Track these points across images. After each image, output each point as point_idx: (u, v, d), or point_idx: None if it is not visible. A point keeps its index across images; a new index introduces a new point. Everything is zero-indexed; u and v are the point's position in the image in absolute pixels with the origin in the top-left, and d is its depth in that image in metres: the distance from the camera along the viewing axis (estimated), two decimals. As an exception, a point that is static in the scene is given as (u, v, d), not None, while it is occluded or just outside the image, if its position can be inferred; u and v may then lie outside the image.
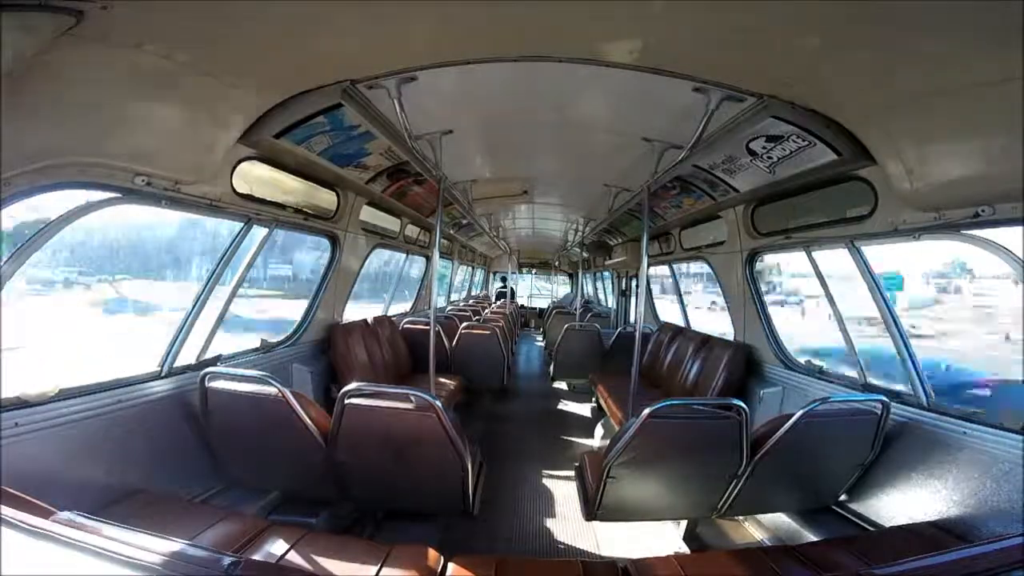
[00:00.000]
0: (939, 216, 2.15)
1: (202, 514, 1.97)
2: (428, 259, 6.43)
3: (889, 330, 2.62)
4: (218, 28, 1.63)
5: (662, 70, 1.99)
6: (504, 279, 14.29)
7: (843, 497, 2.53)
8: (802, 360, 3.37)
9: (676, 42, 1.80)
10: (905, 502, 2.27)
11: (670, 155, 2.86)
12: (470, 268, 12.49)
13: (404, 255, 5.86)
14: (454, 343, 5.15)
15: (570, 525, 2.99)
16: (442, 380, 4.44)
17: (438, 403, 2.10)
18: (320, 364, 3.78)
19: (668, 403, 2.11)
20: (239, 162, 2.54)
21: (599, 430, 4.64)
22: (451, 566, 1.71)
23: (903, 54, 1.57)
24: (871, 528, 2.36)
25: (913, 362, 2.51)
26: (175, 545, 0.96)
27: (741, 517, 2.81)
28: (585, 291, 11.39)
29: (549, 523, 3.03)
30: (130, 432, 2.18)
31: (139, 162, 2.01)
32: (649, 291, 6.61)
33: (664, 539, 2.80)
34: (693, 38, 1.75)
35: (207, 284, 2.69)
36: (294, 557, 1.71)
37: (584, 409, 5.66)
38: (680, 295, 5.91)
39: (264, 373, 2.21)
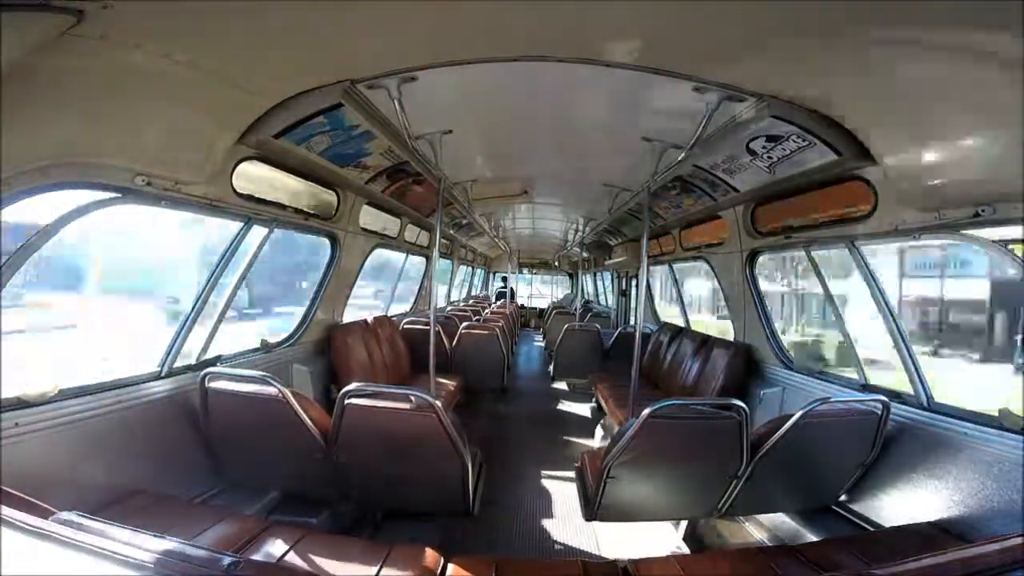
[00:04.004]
0: (939, 216, 2.15)
1: (202, 514, 1.97)
2: (428, 259, 6.43)
3: (889, 330, 2.62)
4: (218, 28, 1.63)
5: (662, 70, 1.99)
6: (504, 279, 14.29)
7: (843, 497, 2.53)
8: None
9: (676, 42, 1.80)
10: (905, 502, 2.27)
11: (670, 155, 2.86)
12: (470, 268, 12.49)
13: (404, 255, 5.86)
14: (454, 343, 5.15)
15: (570, 525, 2.99)
16: (442, 380, 4.44)
17: (438, 403, 2.10)
18: (320, 364, 3.79)
19: (668, 403, 2.11)
20: (239, 162, 2.54)
21: (599, 430, 4.64)
22: (451, 566, 1.71)
23: (903, 54, 1.57)
24: (871, 528, 2.36)
25: (913, 362, 2.51)
26: (175, 545, 0.96)
27: (741, 517, 2.81)
28: (585, 291, 11.38)
29: (549, 523, 3.03)
30: (130, 432, 2.18)
31: (139, 162, 2.01)
32: (649, 291, 6.61)
33: (664, 539, 2.80)
34: (693, 38, 1.75)
35: (207, 284, 2.69)
36: (294, 557, 1.71)
37: (584, 409, 5.66)
38: (680, 295, 5.91)
39: (264, 373, 2.21)
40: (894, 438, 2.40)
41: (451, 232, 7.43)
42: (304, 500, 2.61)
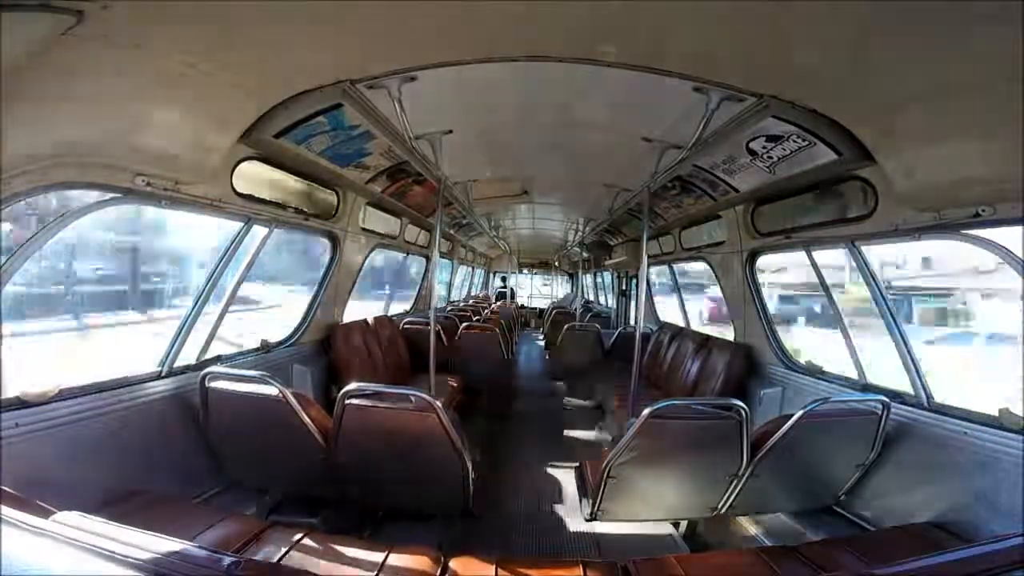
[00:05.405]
0: (939, 216, 2.15)
1: (202, 514, 1.97)
2: (428, 259, 6.43)
3: (889, 330, 2.62)
4: (218, 28, 1.63)
5: (662, 70, 1.99)
6: (504, 279, 14.29)
7: (843, 497, 2.53)
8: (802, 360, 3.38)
9: (676, 42, 1.80)
10: (905, 502, 2.27)
11: (670, 155, 2.86)
12: (470, 268, 12.49)
13: (404, 255, 5.86)
14: (454, 343, 5.15)
15: (570, 525, 2.99)
16: (442, 380, 4.44)
17: (438, 403, 2.10)
18: (320, 364, 3.78)
19: (669, 403, 2.11)
20: (239, 162, 2.54)
21: (599, 430, 4.64)
22: (451, 566, 1.71)
23: (903, 54, 1.57)
24: (871, 528, 2.37)
25: (913, 362, 2.51)
26: (175, 545, 0.96)
27: (741, 517, 2.81)
28: (585, 291, 11.38)
29: (549, 523, 3.03)
30: (130, 432, 2.18)
31: (139, 162, 2.01)
32: (649, 291, 6.60)
33: (664, 539, 2.80)
34: (693, 38, 1.75)
35: (207, 284, 2.69)
36: (294, 557, 1.71)
37: (584, 409, 5.66)
38: (680, 295, 5.91)
39: (264, 373, 2.21)
40: (894, 438, 2.40)
41: (451, 232, 7.42)
42: (304, 500, 2.61)
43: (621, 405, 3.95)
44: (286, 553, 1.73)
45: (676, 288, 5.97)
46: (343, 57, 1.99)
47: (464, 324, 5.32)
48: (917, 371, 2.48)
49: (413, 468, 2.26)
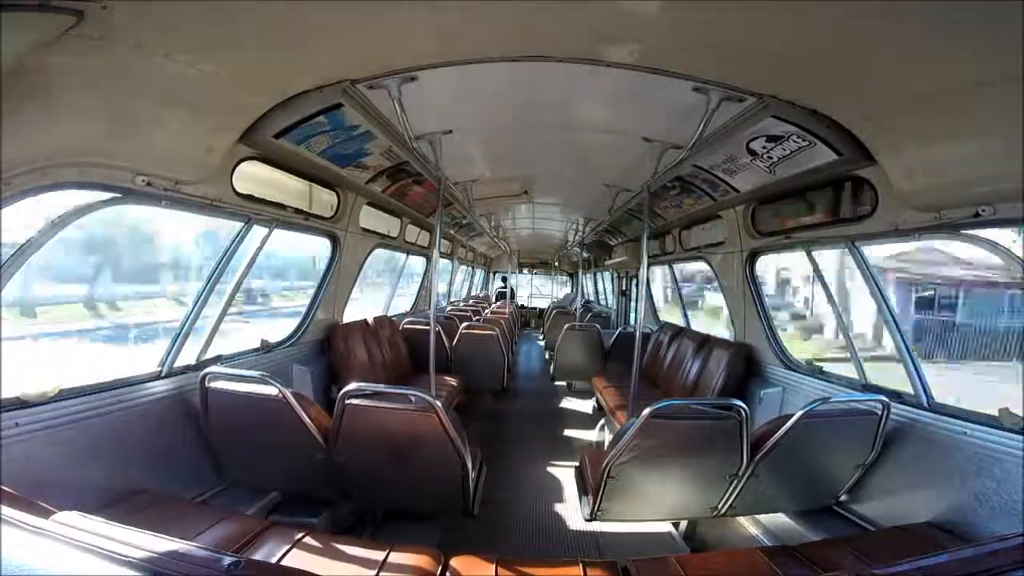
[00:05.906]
0: (939, 216, 2.15)
1: (202, 514, 1.97)
2: (428, 259, 6.43)
3: (889, 330, 2.62)
4: (218, 28, 1.63)
5: (662, 70, 1.99)
6: (504, 279, 14.29)
7: (843, 497, 2.53)
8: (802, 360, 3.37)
9: (676, 42, 1.80)
10: (905, 502, 2.27)
11: (670, 155, 2.86)
12: (470, 268, 12.49)
13: (404, 255, 5.86)
14: (454, 343, 5.15)
15: (570, 525, 2.99)
16: (442, 380, 4.44)
17: (438, 403, 2.10)
18: (320, 364, 3.79)
19: (668, 403, 2.11)
20: (239, 162, 2.54)
21: (599, 430, 4.64)
22: (451, 566, 1.71)
23: (903, 54, 1.57)
24: (871, 528, 2.37)
25: (913, 362, 2.51)
26: (175, 545, 0.96)
27: (741, 517, 2.81)
28: (585, 291, 11.39)
29: (549, 523, 3.03)
30: (130, 432, 2.18)
31: (139, 162, 2.01)
32: (649, 291, 6.61)
33: (664, 539, 2.80)
34: (693, 38, 1.75)
35: (207, 284, 2.69)
36: (294, 557, 1.71)
37: (584, 409, 5.66)
38: (680, 295, 5.92)
39: (264, 373, 2.21)
40: (894, 438, 2.40)
41: (451, 232, 7.42)
42: (304, 500, 2.62)
43: (621, 405, 3.95)
44: (286, 553, 1.73)
45: (677, 288, 5.98)
46: (343, 57, 1.99)
47: (464, 324, 5.32)
48: (917, 371, 2.48)
49: (413, 468, 2.26)
